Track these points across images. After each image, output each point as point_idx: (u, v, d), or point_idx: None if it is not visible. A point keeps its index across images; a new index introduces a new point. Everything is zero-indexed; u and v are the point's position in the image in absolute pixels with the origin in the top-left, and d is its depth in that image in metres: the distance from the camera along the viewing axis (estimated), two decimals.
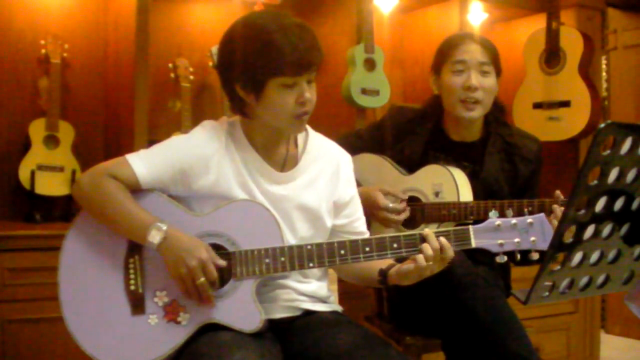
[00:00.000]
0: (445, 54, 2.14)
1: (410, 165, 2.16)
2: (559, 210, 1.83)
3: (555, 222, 1.80)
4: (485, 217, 1.97)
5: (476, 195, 2.07)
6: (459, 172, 2.08)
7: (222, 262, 1.54)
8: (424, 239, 1.52)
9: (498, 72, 2.13)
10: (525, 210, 1.93)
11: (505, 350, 1.75)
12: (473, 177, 2.11)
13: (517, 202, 1.95)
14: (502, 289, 2.07)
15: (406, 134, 2.21)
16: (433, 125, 2.19)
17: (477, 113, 2.09)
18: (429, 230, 1.53)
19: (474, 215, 2.01)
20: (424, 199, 2.12)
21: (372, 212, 2.07)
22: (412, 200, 2.15)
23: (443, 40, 2.20)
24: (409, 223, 2.13)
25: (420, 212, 2.13)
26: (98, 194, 1.58)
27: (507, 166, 2.12)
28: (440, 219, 2.06)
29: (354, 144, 2.22)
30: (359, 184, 2.12)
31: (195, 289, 1.51)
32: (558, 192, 1.89)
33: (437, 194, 2.08)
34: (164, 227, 1.53)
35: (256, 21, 1.57)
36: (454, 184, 2.05)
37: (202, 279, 1.50)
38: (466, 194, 2.06)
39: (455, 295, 1.81)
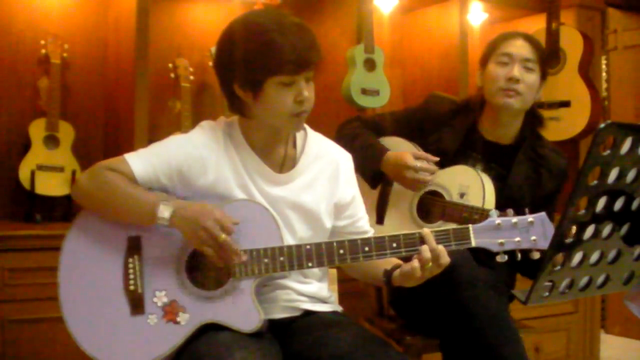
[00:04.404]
0: (493, 47, 2.17)
1: (443, 158, 2.15)
2: None
3: None
4: None
5: (497, 197, 2.07)
6: (487, 180, 2.09)
7: (236, 220, 1.53)
8: (422, 240, 1.52)
9: (543, 73, 2.15)
10: None
11: (498, 354, 1.75)
12: (498, 180, 2.11)
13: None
14: (504, 291, 2.05)
15: (443, 125, 2.21)
16: (470, 121, 2.20)
17: (516, 102, 2.10)
18: (427, 231, 1.53)
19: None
20: (447, 196, 2.11)
21: (401, 174, 2.08)
22: (434, 195, 2.14)
23: (494, 36, 2.23)
24: (426, 217, 2.12)
25: (440, 208, 2.11)
26: (98, 186, 1.58)
27: (533, 176, 2.14)
28: (460, 220, 2.03)
29: (387, 125, 2.23)
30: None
31: (221, 249, 1.50)
32: None
33: (461, 195, 2.08)
34: (171, 201, 1.54)
35: (254, 20, 1.57)
36: (482, 190, 2.05)
37: (223, 235, 1.49)
38: (490, 202, 2.05)
39: (455, 295, 1.81)
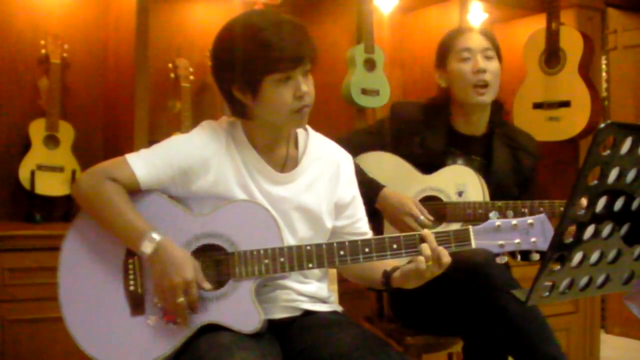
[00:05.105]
0: (449, 46, 2.22)
1: (431, 160, 2.18)
2: None
3: None
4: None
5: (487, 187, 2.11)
6: (479, 175, 2.12)
7: (208, 286, 1.53)
8: (422, 240, 1.52)
9: (499, 58, 2.21)
10: (557, 210, 1.98)
11: (537, 351, 1.77)
12: (482, 170, 2.15)
13: (548, 202, 1.98)
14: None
15: (421, 127, 2.23)
16: (446, 119, 2.24)
17: (488, 97, 2.16)
18: (427, 231, 1.53)
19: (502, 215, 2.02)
20: (446, 198, 2.12)
21: (398, 217, 2.09)
22: (432, 199, 2.15)
23: (443, 37, 2.28)
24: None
25: (441, 211, 2.11)
26: (96, 197, 1.57)
27: (513, 159, 2.20)
28: (465, 218, 2.06)
29: (365, 141, 2.24)
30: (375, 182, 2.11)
31: (174, 308, 1.51)
32: None
33: (460, 194, 2.10)
34: (157, 239, 1.52)
35: (244, 22, 1.58)
36: (479, 184, 2.08)
37: (181, 299, 1.49)
38: (488, 195, 2.08)
39: (491, 296, 1.82)
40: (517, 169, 2.20)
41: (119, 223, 1.55)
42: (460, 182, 2.11)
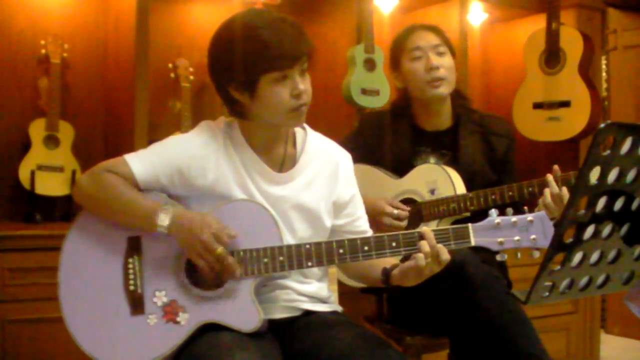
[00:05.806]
0: (400, 47, 2.24)
1: (402, 163, 2.20)
2: (553, 182, 1.90)
3: (548, 198, 1.86)
4: (485, 206, 2.00)
5: (462, 178, 2.12)
6: (449, 168, 2.13)
7: (233, 232, 1.53)
8: (422, 237, 1.52)
9: (452, 52, 2.23)
10: (525, 191, 2.00)
11: (518, 350, 1.77)
12: (454, 163, 2.16)
13: (516, 185, 2.00)
14: (506, 286, 2.07)
15: (389, 133, 2.26)
16: (409, 120, 2.26)
17: (444, 89, 2.18)
18: (427, 229, 1.53)
19: (474, 205, 2.04)
20: (420, 198, 2.14)
21: (375, 219, 2.09)
22: (408, 202, 2.16)
23: (393, 38, 2.30)
24: (408, 225, 2.14)
25: (417, 212, 2.13)
26: (100, 188, 1.58)
27: (483, 145, 2.21)
28: (440, 214, 2.08)
29: None
30: None
31: (216, 260, 1.51)
32: (556, 166, 1.97)
33: (432, 192, 2.11)
34: (171, 209, 1.54)
35: (239, 22, 1.58)
36: (449, 179, 2.09)
37: (220, 248, 1.50)
38: (461, 187, 2.09)
39: (469, 295, 1.82)
40: (489, 154, 2.21)
41: (128, 207, 1.56)
42: (431, 180, 2.13)
